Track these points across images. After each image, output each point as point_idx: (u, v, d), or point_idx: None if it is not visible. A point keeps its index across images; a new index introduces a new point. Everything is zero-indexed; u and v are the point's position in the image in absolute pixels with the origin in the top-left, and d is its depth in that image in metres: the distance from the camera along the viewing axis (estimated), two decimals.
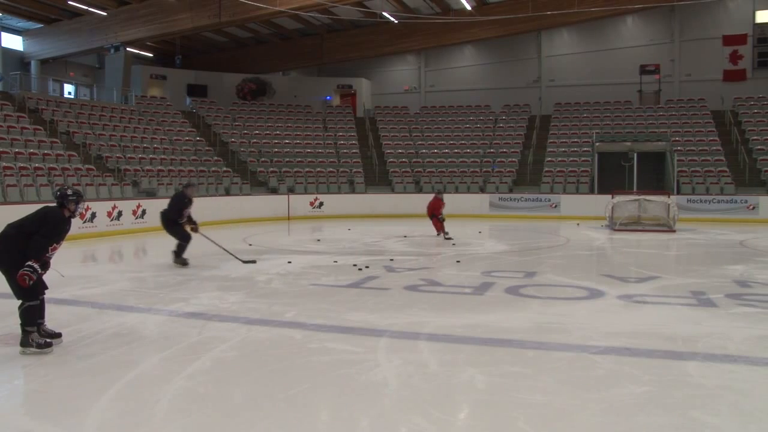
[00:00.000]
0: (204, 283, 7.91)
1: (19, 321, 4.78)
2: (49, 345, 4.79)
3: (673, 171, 20.59)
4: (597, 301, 6.74)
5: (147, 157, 20.07)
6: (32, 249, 4.64)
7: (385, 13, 24.00)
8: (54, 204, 5.05)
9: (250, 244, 12.76)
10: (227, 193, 20.31)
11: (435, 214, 13.50)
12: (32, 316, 4.77)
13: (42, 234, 4.71)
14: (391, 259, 10.17)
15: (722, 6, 25.77)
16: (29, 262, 4.60)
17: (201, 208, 18.02)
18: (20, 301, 4.76)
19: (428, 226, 13.88)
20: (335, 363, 4.51)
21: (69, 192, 5.06)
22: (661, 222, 16.10)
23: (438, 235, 13.46)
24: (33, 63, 26.86)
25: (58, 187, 5.57)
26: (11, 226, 4.85)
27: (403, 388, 4.02)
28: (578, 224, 16.63)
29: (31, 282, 4.61)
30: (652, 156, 21.56)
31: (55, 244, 4.85)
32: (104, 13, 23.95)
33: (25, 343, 4.73)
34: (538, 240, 13.95)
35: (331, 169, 23.72)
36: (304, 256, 10.74)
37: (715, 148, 22.16)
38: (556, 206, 20.69)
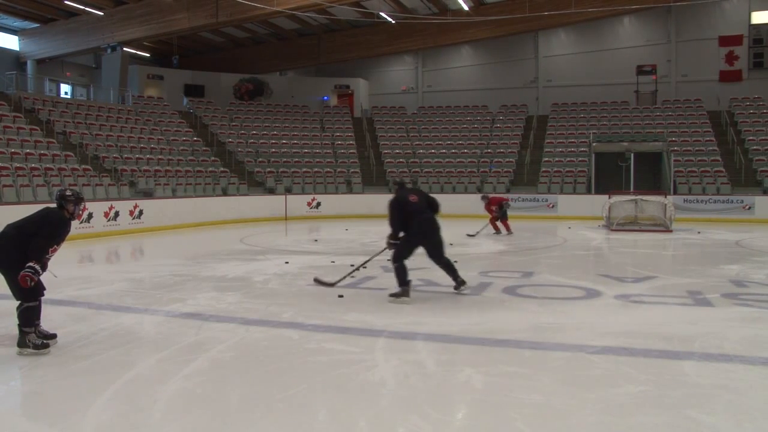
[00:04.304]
0: (201, 284, 7.90)
1: (15, 322, 4.77)
2: (47, 346, 4.77)
3: (670, 171, 20.64)
4: (594, 301, 6.75)
5: (144, 157, 20.03)
6: (33, 250, 4.62)
7: (382, 14, 24.01)
8: (54, 205, 5.03)
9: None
10: (224, 193, 20.29)
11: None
12: (31, 317, 4.75)
13: (43, 235, 4.69)
14: (389, 260, 10.15)
15: (718, 7, 25.84)
16: (30, 263, 4.58)
17: (198, 208, 18.18)
18: (18, 302, 4.74)
19: None
20: (333, 363, 4.51)
21: (68, 193, 5.04)
22: (658, 222, 16.13)
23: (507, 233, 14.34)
24: (29, 63, 26.77)
25: (58, 189, 5.54)
26: (11, 227, 4.82)
27: (400, 388, 4.03)
28: (569, 227, 16.67)
29: (32, 283, 4.59)
30: (648, 156, 21.62)
31: (55, 246, 4.83)
32: (101, 13, 23.91)
33: (22, 344, 4.72)
34: (535, 240, 13.96)
35: (328, 170, 23.71)
36: (302, 257, 10.73)
37: (711, 148, 22.24)
38: (553, 206, 20.72)
